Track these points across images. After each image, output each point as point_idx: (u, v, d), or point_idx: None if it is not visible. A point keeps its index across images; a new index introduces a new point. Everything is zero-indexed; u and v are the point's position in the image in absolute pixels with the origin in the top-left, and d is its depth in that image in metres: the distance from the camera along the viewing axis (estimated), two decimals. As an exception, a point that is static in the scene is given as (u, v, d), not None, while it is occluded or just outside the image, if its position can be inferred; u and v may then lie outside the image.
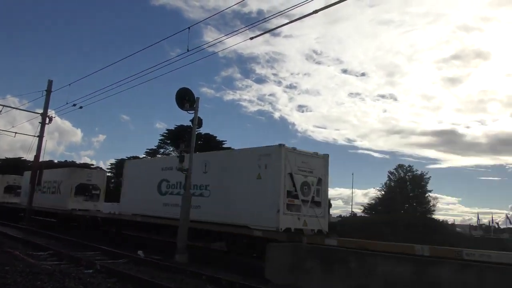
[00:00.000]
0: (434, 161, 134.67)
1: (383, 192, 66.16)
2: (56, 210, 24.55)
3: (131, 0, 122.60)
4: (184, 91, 14.91)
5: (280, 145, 12.95)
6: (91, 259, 11.92)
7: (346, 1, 9.96)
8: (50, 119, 27.86)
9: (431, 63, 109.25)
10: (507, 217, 56.83)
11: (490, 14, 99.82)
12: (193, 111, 14.75)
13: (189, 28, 14.26)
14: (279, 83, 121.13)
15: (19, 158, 60.50)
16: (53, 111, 28.21)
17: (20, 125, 55.53)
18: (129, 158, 47.48)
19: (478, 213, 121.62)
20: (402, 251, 9.49)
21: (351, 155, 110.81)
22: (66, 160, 67.31)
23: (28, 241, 16.26)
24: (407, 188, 65.74)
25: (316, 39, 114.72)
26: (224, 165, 14.77)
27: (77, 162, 64.41)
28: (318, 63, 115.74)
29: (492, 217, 58.30)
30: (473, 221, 67.42)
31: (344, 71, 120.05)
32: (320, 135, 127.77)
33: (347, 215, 61.28)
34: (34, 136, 27.81)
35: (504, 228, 54.63)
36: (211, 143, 46.61)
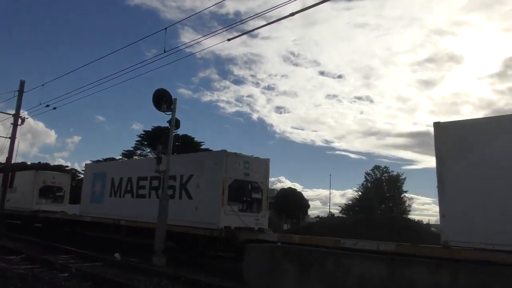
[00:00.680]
0: (410, 162, 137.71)
1: (360, 193, 67.15)
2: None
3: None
4: (161, 92, 14.79)
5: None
6: (65, 263, 11.70)
7: (322, 4, 10.08)
8: (23, 120, 27.15)
9: (406, 66, 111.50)
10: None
11: (462, 18, 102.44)
12: (170, 112, 14.64)
13: (165, 29, 14.14)
14: (257, 84, 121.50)
15: (-10, 160, 58.88)
16: (25, 112, 27.51)
17: (-10, 126, 53.91)
18: (105, 160, 46.80)
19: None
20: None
21: (328, 156, 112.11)
22: (39, 162, 65.74)
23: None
24: (383, 188, 66.87)
25: (293, 41, 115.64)
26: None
27: (51, 164, 63.02)
28: (296, 64, 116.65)
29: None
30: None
31: (322, 73, 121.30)
32: (298, 136, 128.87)
33: (325, 216, 61.74)
34: (6, 137, 27.13)
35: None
36: (188, 145, 46.31)
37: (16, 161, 31.00)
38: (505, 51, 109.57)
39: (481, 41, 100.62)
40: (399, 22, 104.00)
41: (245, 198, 14.63)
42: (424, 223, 49.79)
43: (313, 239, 11.85)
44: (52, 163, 65.40)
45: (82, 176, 37.42)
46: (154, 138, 43.84)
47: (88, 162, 50.23)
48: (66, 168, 54.88)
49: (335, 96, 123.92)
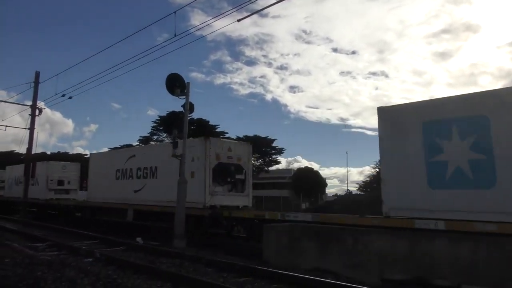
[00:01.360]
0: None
1: (377, 170, 66.64)
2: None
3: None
4: (174, 77, 14.81)
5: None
6: (89, 248, 11.99)
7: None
8: (40, 111, 27.63)
9: (421, 38, 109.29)
10: None
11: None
12: (184, 97, 14.69)
13: (175, 12, 14.15)
14: (269, 64, 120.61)
15: (12, 151, 60.13)
16: (42, 103, 27.98)
17: (10, 118, 54.94)
18: (122, 147, 47.36)
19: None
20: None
21: (345, 134, 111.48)
22: (59, 152, 67.04)
23: (25, 233, 16.29)
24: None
25: (304, 18, 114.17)
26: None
27: (70, 153, 64.20)
28: (308, 42, 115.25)
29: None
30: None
31: (335, 50, 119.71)
32: (313, 115, 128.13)
33: (343, 194, 61.71)
34: (25, 128, 27.64)
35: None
36: (204, 128, 46.51)
37: (36, 152, 31.76)
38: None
39: (499, 8, 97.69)
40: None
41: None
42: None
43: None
44: (71, 152, 66.67)
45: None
46: (169, 123, 44.08)
47: (106, 149, 50.92)
48: (85, 156, 55.69)
49: (349, 72, 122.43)
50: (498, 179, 8.22)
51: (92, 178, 23.55)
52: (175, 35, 14.40)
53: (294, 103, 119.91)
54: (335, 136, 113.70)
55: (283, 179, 68.33)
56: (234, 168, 16.09)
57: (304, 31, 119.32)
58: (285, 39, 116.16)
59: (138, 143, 51.16)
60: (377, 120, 10.46)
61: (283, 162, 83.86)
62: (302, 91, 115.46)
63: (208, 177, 15.20)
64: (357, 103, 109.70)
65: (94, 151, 33.01)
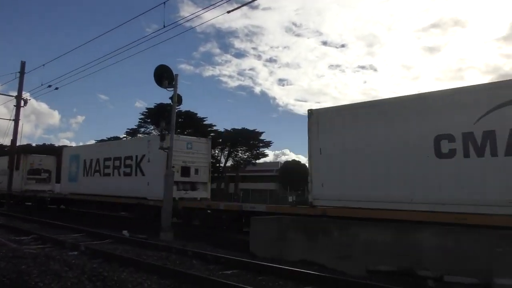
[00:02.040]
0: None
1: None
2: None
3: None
4: (162, 69, 14.69)
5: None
6: (75, 241, 11.88)
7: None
8: (25, 102, 27.29)
9: (410, 32, 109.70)
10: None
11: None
12: (172, 89, 14.58)
13: (164, 3, 13.95)
14: (259, 57, 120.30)
15: (-4, 143, 59.16)
16: (28, 94, 27.65)
17: (-6, 109, 54.12)
18: (109, 139, 46.97)
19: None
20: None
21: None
22: (44, 143, 66.21)
23: (9, 226, 16.09)
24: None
25: (295, 10, 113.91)
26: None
27: (56, 144, 63.37)
28: (298, 35, 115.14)
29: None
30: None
31: (324, 43, 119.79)
32: (301, 108, 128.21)
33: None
34: (10, 120, 27.23)
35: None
36: (192, 121, 46.29)
37: (21, 143, 31.42)
38: None
39: (487, 3, 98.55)
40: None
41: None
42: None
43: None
44: (56, 144, 65.84)
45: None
46: (157, 115, 43.74)
47: (93, 142, 50.47)
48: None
49: (338, 66, 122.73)
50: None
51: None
52: (164, 26, 14.26)
53: (282, 96, 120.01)
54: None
55: (271, 172, 68.49)
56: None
57: (294, 24, 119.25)
58: (275, 32, 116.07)
59: (125, 136, 50.78)
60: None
61: (270, 155, 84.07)
62: (291, 84, 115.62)
63: None
64: (346, 96, 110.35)
65: (81, 143, 33.08)
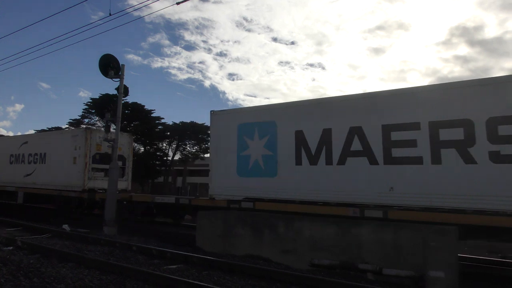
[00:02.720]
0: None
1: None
2: None
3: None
4: (107, 58, 14.25)
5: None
6: (10, 236, 11.30)
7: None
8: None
9: (357, 33, 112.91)
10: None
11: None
12: (118, 79, 14.17)
13: (111, -10, 13.49)
14: (209, 50, 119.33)
15: None
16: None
17: None
18: (50, 129, 44.89)
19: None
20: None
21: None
22: (-22, 132, 62.16)
23: None
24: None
25: (246, 5, 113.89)
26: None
27: (-9, 133, 59.67)
28: (249, 30, 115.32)
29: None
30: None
31: (275, 40, 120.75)
32: (251, 103, 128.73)
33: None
34: None
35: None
36: (139, 113, 45.17)
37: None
38: (451, 20, 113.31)
39: (429, 9, 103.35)
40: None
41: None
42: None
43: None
44: (-8, 133, 62.04)
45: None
46: (102, 106, 42.27)
47: (33, 132, 48.06)
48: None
49: (287, 63, 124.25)
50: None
51: None
52: (110, 14, 13.78)
53: (232, 90, 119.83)
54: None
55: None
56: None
57: (245, 19, 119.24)
58: (225, 26, 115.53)
59: (67, 126, 48.70)
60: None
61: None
62: (241, 79, 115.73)
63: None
64: (294, 93, 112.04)
65: (19, 133, 31.26)
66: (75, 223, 14.34)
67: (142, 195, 14.95)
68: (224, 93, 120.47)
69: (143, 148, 46.41)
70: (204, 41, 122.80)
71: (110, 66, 14.09)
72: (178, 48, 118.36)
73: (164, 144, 49.68)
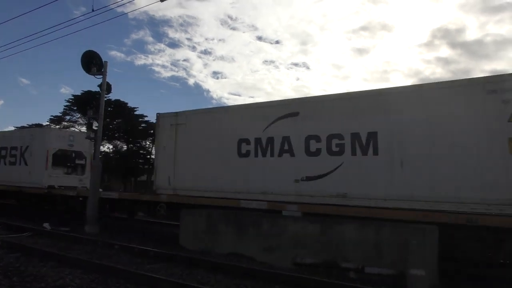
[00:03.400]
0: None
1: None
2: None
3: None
4: (90, 54, 14.06)
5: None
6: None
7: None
8: None
9: (342, 33, 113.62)
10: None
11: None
12: (101, 76, 14.01)
13: (93, -15, 13.32)
14: (193, 48, 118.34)
15: None
16: None
17: None
18: (30, 126, 44.16)
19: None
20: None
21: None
22: (-45, 128, 60.73)
23: None
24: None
25: (231, 3, 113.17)
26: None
27: (-31, 130, 58.41)
28: (233, 29, 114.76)
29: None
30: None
31: (259, 38, 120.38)
32: (235, 102, 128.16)
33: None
34: None
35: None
36: (122, 110, 44.68)
37: None
38: (433, 22, 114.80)
39: (411, 10, 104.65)
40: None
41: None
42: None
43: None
44: (-31, 130, 60.69)
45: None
46: (84, 103, 41.67)
47: (12, 128, 47.16)
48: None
49: (272, 62, 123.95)
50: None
51: None
52: (93, 10, 13.60)
53: (217, 89, 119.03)
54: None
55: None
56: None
57: (230, 17, 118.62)
58: (210, 24, 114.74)
59: (48, 123, 47.91)
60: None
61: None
62: (225, 78, 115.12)
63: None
64: (279, 92, 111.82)
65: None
66: (56, 222, 14.14)
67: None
68: (208, 91, 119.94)
69: (125, 146, 45.91)
70: (188, 39, 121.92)
71: (92, 62, 13.90)
72: (162, 46, 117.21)
73: (148, 142, 49.21)
